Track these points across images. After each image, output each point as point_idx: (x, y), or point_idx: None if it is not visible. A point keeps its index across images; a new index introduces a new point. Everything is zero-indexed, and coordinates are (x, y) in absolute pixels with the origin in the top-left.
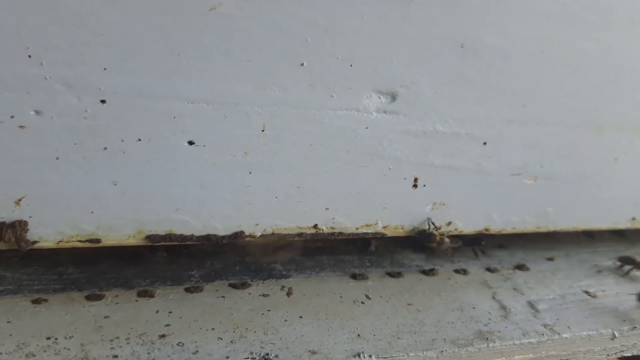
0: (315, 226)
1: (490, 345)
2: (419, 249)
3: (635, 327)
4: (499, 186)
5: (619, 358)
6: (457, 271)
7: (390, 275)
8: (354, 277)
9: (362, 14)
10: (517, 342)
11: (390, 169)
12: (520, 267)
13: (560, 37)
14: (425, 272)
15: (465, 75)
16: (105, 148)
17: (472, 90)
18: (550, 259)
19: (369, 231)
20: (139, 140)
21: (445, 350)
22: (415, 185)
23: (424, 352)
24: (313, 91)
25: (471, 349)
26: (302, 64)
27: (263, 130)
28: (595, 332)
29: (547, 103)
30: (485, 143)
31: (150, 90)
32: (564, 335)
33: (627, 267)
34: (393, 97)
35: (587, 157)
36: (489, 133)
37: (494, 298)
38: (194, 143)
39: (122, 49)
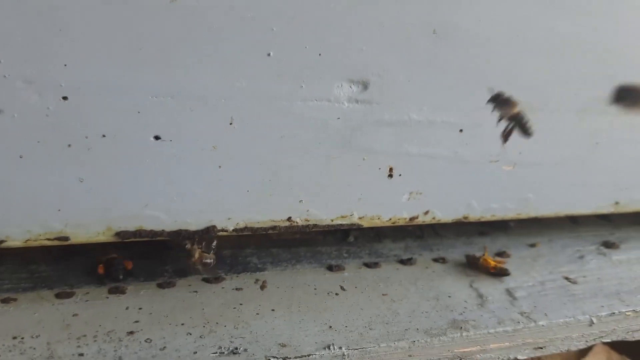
0: (289, 219)
1: (464, 334)
2: (399, 238)
3: (613, 313)
4: (477, 173)
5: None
6: (435, 260)
7: (367, 265)
8: (330, 268)
9: (330, 1)
10: (491, 330)
11: (364, 159)
12: (501, 254)
13: (537, 20)
14: (403, 262)
15: (439, 62)
16: (69, 145)
17: (447, 76)
18: (533, 245)
19: (344, 222)
20: (104, 136)
21: (418, 340)
22: (390, 175)
23: (396, 343)
24: (281, 82)
25: (444, 338)
26: (269, 54)
27: (231, 123)
28: (572, 318)
29: (525, 88)
30: (461, 130)
31: (112, 85)
32: (540, 323)
33: None
34: (365, 86)
35: (567, 142)
36: (465, 119)
37: (471, 286)
38: (160, 138)
39: (83, 45)
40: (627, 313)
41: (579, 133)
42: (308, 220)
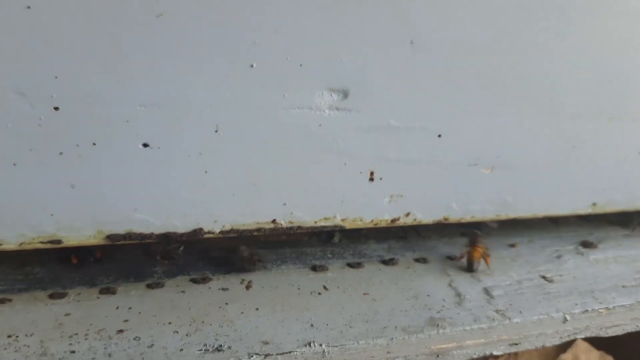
0: (273, 221)
1: (441, 331)
2: (382, 239)
3: (586, 311)
4: (456, 177)
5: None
6: (417, 260)
7: (350, 266)
8: (314, 269)
9: (310, 15)
10: (467, 327)
11: (345, 164)
12: None
13: (512, 27)
14: (385, 262)
15: (417, 70)
16: (61, 153)
17: (425, 84)
18: (513, 246)
19: (327, 224)
20: (94, 144)
21: (396, 338)
22: (371, 179)
23: (374, 340)
24: (265, 91)
25: (421, 335)
26: (252, 66)
27: (216, 131)
28: (546, 316)
29: (501, 94)
30: (439, 135)
31: (102, 96)
32: (515, 320)
33: None
34: (345, 94)
35: (543, 146)
36: (443, 125)
37: (450, 285)
38: (148, 145)
39: (73, 57)
40: (600, 310)
41: (556, 137)
42: (292, 222)
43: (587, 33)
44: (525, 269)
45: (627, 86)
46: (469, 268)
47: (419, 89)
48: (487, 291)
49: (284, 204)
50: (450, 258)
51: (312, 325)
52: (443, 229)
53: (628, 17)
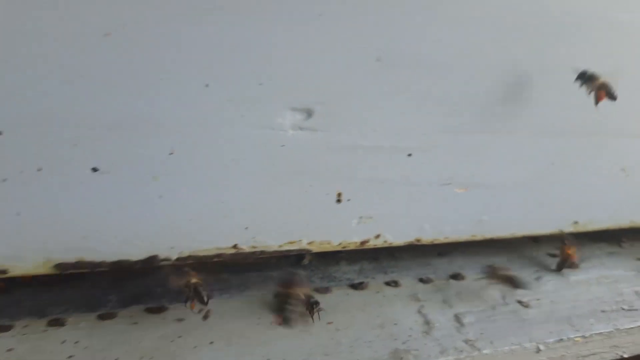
0: (234, 246)
1: None
2: (354, 261)
3: (561, 340)
4: (428, 196)
5: None
6: (388, 283)
7: (317, 291)
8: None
9: (268, 33)
10: None
11: (311, 185)
12: (456, 276)
13: (486, 42)
14: (354, 286)
15: (385, 88)
16: (4, 180)
17: (394, 102)
18: (490, 267)
19: (292, 248)
20: (40, 170)
21: None
22: (339, 200)
23: None
24: (221, 111)
25: None
26: (207, 85)
27: (171, 153)
28: (518, 346)
29: (475, 111)
30: (410, 154)
31: (48, 118)
32: (485, 352)
33: None
34: (309, 114)
35: (521, 164)
36: (413, 144)
37: (419, 312)
38: (98, 170)
39: (17, 79)
40: (576, 339)
41: (534, 154)
42: (255, 247)
43: (565, 47)
44: (500, 293)
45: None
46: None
47: (387, 107)
48: (458, 318)
49: (246, 228)
50: (423, 281)
51: (268, 359)
52: (418, 249)
53: (608, 32)
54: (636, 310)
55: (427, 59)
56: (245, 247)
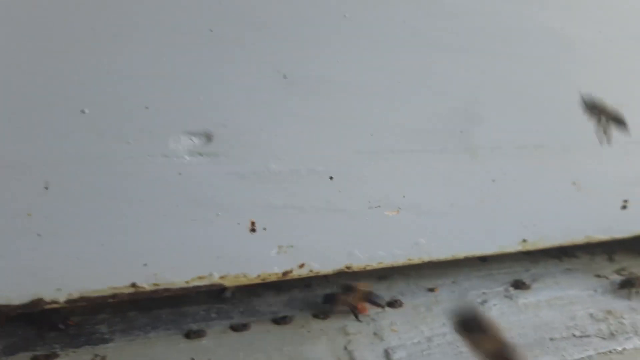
0: (133, 284)
1: None
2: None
3: None
4: (356, 221)
5: None
6: (316, 315)
7: (234, 328)
8: (188, 335)
9: (152, 52)
10: None
11: (218, 215)
12: (393, 303)
13: (408, 58)
14: (277, 321)
15: (294, 108)
16: None
17: (306, 123)
18: (432, 290)
19: (202, 284)
20: None
21: None
22: (253, 230)
23: None
24: (102, 140)
25: None
26: (83, 112)
27: (47, 188)
28: None
29: (401, 130)
30: (331, 178)
31: None
32: None
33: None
34: (208, 138)
35: (458, 182)
36: (334, 167)
37: (345, 349)
38: None
39: None
40: None
41: (472, 171)
42: (157, 285)
43: (494, 62)
44: (440, 321)
45: (555, 112)
46: None
47: (300, 128)
48: (387, 354)
49: (145, 265)
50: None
51: None
52: (355, 273)
53: (552, 40)
54: (588, 337)
55: (338, 76)
56: (146, 285)
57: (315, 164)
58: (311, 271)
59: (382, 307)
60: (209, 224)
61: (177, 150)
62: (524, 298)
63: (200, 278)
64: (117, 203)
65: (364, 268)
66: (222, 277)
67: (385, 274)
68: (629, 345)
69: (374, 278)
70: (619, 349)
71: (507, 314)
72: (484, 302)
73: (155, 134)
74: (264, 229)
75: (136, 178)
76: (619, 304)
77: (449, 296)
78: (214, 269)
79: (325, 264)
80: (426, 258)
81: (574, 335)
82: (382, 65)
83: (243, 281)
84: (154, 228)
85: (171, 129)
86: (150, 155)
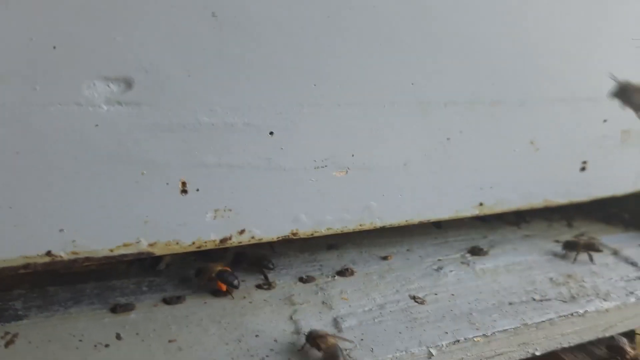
0: (48, 253)
1: None
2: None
3: (458, 341)
4: (301, 183)
5: None
6: (259, 286)
7: (167, 301)
8: (114, 309)
9: None
10: None
11: (143, 173)
12: (343, 272)
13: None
14: (216, 293)
15: (226, 52)
16: None
17: (240, 70)
18: (385, 258)
19: (129, 252)
20: None
21: None
22: (184, 191)
23: None
24: (4, 86)
25: None
26: None
27: None
28: (404, 352)
29: (347, 80)
30: (272, 133)
31: None
32: None
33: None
34: (128, 84)
35: (410, 139)
36: (274, 121)
37: (291, 319)
38: None
39: None
40: (476, 339)
41: (425, 128)
42: (77, 253)
43: (452, 4)
44: (393, 288)
45: (512, 65)
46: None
47: (233, 75)
48: (336, 322)
49: (61, 231)
50: (303, 280)
51: None
52: (304, 243)
53: None
54: (548, 300)
55: (276, 15)
56: (63, 254)
57: (252, 117)
58: (253, 238)
59: (236, 287)
60: (133, 184)
61: (93, 98)
62: (482, 264)
63: (126, 246)
64: (25, 159)
65: (311, 234)
66: (151, 245)
67: (335, 243)
68: (590, 307)
69: (323, 247)
70: (581, 311)
71: (463, 280)
72: (439, 268)
73: (65, 78)
74: (197, 190)
75: (46, 130)
76: (580, 268)
77: (404, 264)
78: (142, 235)
79: (268, 230)
80: (378, 223)
81: (534, 299)
82: (327, 3)
83: (176, 249)
84: (69, 188)
85: (84, 73)
86: (62, 103)
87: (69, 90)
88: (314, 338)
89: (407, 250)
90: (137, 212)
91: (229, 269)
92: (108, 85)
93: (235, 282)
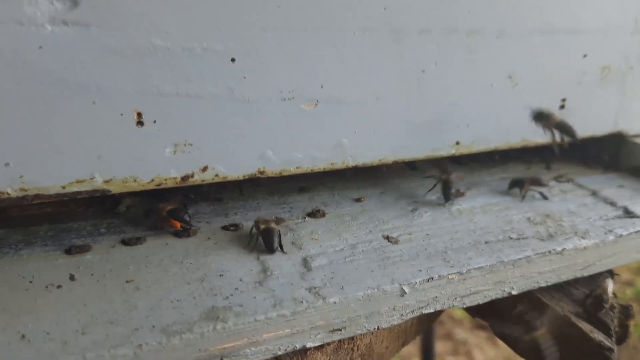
0: None
1: (220, 326)
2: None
3: (431, 279)
4: (266, 115)
5: None
6: (225, 227)
7: (126, 243)
8: (69, 251)
9: None
10: (261, 317)
11: (94, 103)
12: (314, 213)
13: None
14: (179, 234)
15: None
16: None
17: None
18: (359, 200)
19: (83, 189)
20: None
21: (148, 344)
22: (140, 123)
23: (112, 351)
24: None
25: (189, 335)
26: None
27: None
28: (376, 290)
29: (313, 2)
30: (233, 60)
31: None
32: (331, 300)
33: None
34: (74, 2)
35: (383, 71)
36: (236, 46)
37: (258, 259)
38: None
39: None
40: (450, 276)
41: (399, 59)
42: (25, 190)
43: None
44: (366, 229)
45: None
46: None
47: None
48: (305, 262)
49: (6, 165)
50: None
51: (23, 336)
52: (274, 186)
53: None
54: (525, 239)
55: None
56: (10, 191)
57: (212, 42)
58: (217, 176)
59: (188, 222)
60: (83, 115)
61: (35, 16)
62: (458, 205)
63: (79, 182)
64: None
65: (280, 173)
66: (106, 182)
67: (306, 185)
68: (568, 245)
69: (294, 190)
70: (559, 249)
71: (438, 220)
72: (414, 210)
73: None
74: (154, 121)
75: None
76: (558, 208)
77: (377, 205)
78: (96, 171)
79: (233, 167)
80: (351, 162)
81: (511, 238)
82: None
83: (134, 187)
84: (12, 118)
85: None
86: (1, 22)
87: (9, 6)
88: (257, 222)
89: (381, 193)
90: (89, 146)
91: (180, 206)
92: (52, 3)
93: (186, 217)
